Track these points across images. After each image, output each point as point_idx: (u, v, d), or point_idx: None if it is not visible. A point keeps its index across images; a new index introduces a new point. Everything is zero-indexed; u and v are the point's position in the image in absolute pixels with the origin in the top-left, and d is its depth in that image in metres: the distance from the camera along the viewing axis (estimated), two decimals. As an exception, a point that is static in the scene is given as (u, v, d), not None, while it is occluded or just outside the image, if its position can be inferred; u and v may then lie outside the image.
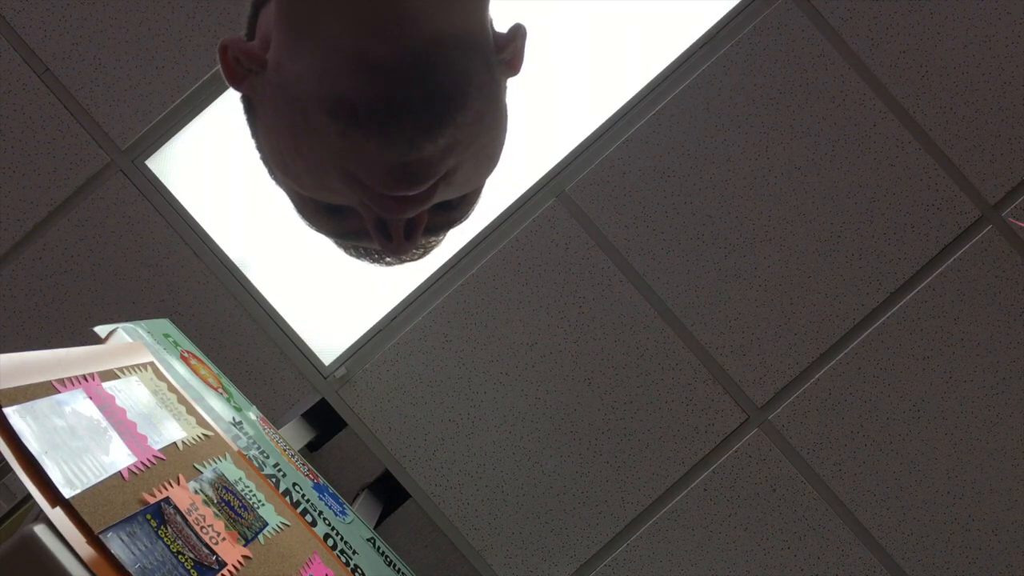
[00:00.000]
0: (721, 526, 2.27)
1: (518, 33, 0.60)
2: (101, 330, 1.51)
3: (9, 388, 1.00)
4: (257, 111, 0.59)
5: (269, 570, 1.21)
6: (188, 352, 1.76)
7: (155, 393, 1.37)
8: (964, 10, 2.23)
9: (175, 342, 1.74)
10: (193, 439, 1.34)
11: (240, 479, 1.39)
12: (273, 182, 0.63)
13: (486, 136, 0.56)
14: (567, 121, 2.27)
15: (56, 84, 2.19)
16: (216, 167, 2.28)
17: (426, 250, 0.66)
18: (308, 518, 1.55)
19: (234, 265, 2.25)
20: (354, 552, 1.61)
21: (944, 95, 2.24)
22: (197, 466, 1.27)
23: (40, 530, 0.90)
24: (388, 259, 0.65)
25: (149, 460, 1.14)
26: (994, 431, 2.26)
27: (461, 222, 0.63)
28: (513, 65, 0.60)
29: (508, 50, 0.58)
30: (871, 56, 2.23)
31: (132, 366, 1.38)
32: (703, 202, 2.25)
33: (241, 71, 0.58)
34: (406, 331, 2.25)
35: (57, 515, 0.92)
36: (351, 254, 0.66)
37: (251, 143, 0.63)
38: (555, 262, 2.24)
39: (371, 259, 0.65)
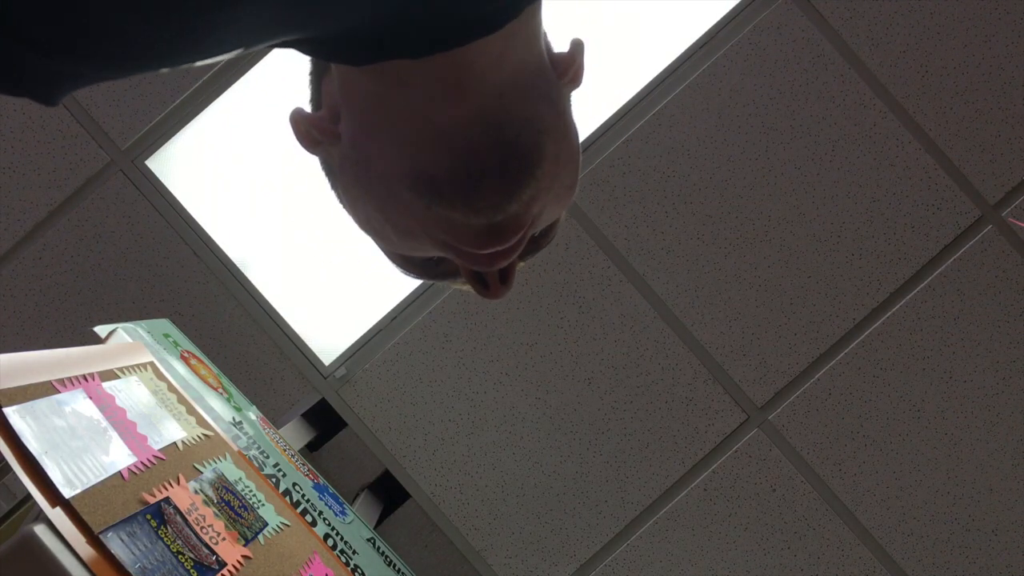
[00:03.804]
0: (721, 526, 2.27)
1: (577, 51, 0.60)
2: (101, 330, 1.51)
3: (9, 388, 1.00)
4: (339, 179, 0.61)
5: (269, 570, 1.21)
6: (188, 352, 1.76)
7: (155, 393, 1.37)
8: (964, 10, 2.23)
9: (175, 342, 1.74)
10: (193, 439, 1.34)
11: (240, 479, 1.39)
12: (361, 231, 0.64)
13: (564, 171, 0.57)
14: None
15: (56, 84, 2.19)
16: (216, 167, 2.28)
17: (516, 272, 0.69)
18: (308, 518, 1.55)
19: (234, 265, 2.25)
20: (354, 552, 1.61)
21: (944, 95, 2.24)
22: (197, 466, 1.27)
23: (40, 530, 0.90)
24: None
25: (149, 460, 1.14)
26: (994, 431, 2.26)
27: (548, 244, 0.65)
28: (575, 80, 0.61)
29: (569, 71, 0.59)
30: (871, 56, 2.23)
31: (132, 366, 1.38)
32: (703, 202, 2.25)
33: (314, 140, 0.59)
34: (406, 331, 2.25)
35: (57, 515, 0.92)
36: (447, 286, 0.68)
37: (333, 194, 0.65)
38: (555, 262, 2.24)
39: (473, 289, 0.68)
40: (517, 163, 0.52)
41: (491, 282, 0.60)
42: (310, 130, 0.58)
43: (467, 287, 0.65)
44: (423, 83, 0.52)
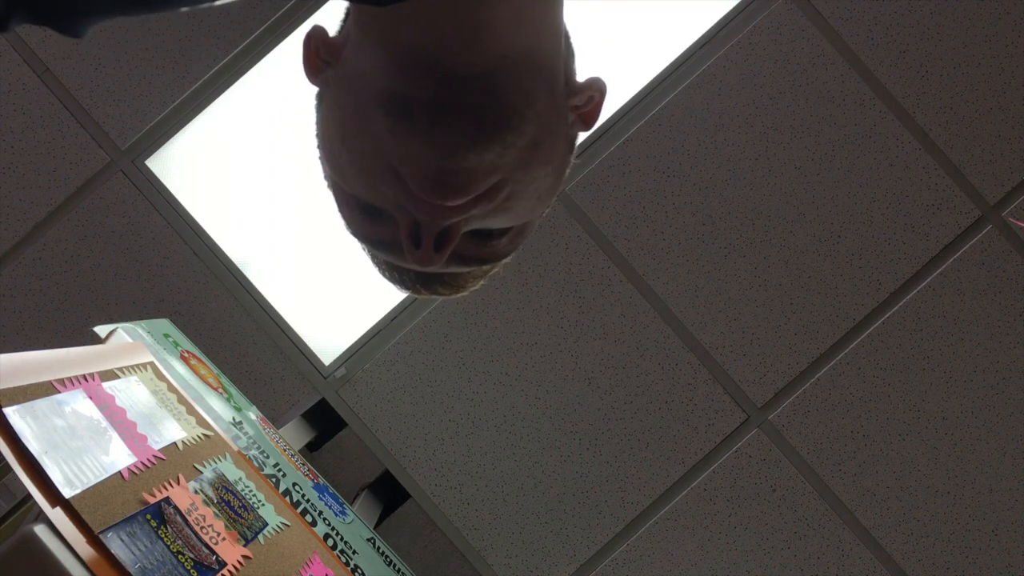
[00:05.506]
0: (721, 526, 2.27)
1: (594, 84, 0.58)
2: (101, 330, 1.51)
3: (9, 388, 1.00)
4: (320, 106, 0.60)
5: (269, 570, 1.21)
6: (188, 352, 1.76)
7: (155, 393, 1.37)
8: (964, 10, 2.23)
9: (175, 342, 1.74)
10: (193, 439, 1.34)
11: (240, 479, 1.39)
12: (325, 181, 0.63)
13: (539, 168, 0.55)
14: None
15: (56, 84, 2.19)
16: (216, 167, 2.28)
17: (458, 285, 0.65)
18: (308, 518, 1.55)
19: (234, 265, 2.25)
20: (354, 552, 1.61)
21: (944, 95, 2.24)
22: (197, 466, 1.27)
23: (40, 530, 0.90)
24: (418, 284, 0.64)
25: (149, 460, 1.14)
26: (994, 431, 2.26)
27: (500, 259, 0.62)
28: (587, 120, 0.59)
29: (580, 97, 0.58)
30: (871, 56, 2.23)
31: (132, 366, 1.38)
32: (703, 202, 2.25)
33: (320, 63, 0.59)
34: (406, 331, 2.25)
35: (57, 515, 0.92)
36: (383, 273, 0.67)
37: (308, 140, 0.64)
38: (555, 262, 2.24)
39: (401, 283, 0.65)
40: (494, 117, 0.52)
41: (425, 239, 0.55)
42: (319, 47, 0.58)
43: (399, 285, 0.64)
44: (439, 27, 0.52)
